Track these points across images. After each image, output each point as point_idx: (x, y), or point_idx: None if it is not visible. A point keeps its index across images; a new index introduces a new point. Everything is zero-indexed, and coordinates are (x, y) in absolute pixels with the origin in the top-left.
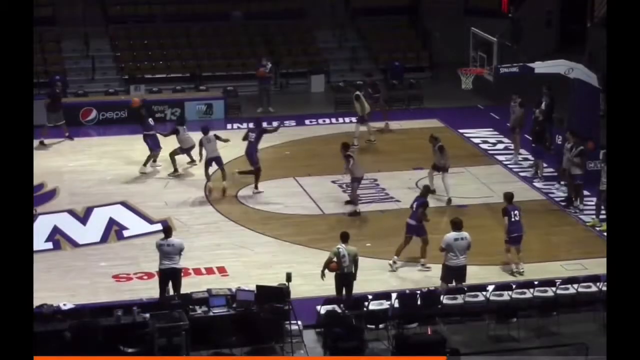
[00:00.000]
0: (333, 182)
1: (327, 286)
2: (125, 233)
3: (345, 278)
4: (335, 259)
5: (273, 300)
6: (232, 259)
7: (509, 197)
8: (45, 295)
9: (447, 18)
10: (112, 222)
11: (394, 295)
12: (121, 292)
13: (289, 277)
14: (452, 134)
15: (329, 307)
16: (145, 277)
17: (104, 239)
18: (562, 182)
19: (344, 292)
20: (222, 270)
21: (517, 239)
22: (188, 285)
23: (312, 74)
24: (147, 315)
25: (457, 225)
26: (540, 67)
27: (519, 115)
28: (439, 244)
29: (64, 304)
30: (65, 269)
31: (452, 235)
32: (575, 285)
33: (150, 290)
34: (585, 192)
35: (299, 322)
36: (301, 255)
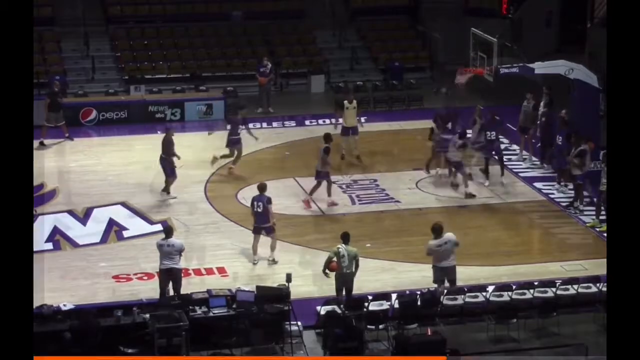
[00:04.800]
0: (333, 182)
1: (327, 287)
2: (125, 233)
3: (344, 278)
4: (335, 259)
5: (273, 301)
6: (232, 260)
7: None
8: (45, 295)
9: (447, 18)
10: (112, 222)
11: (394, 296)
12: (121, 293)
13: (289, 278)
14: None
15: (329, 307)
16: (145, 278)
17: (104, 239)
18: (562, 182)
19: (343, 292)
20: (221, 270)
21: None
22: (188, 286)
23: (312, 74)
24: (147, 315)
25: (437, 232)
26: (540, 67)
27: (530, 115)
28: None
29: (64, 304)
30: (65, 269)
31: (434, 243)
32: (575, 286)
33: (150, 290)
34: (585, 193)
35: (299, 323)
36: (301, 256)
